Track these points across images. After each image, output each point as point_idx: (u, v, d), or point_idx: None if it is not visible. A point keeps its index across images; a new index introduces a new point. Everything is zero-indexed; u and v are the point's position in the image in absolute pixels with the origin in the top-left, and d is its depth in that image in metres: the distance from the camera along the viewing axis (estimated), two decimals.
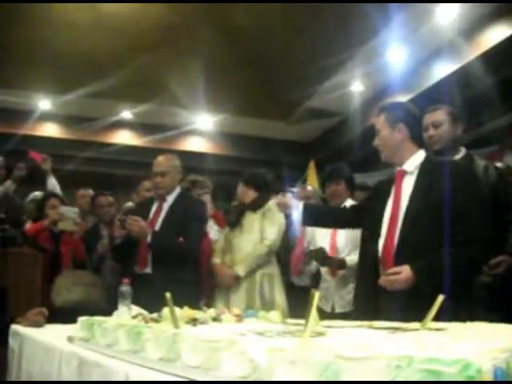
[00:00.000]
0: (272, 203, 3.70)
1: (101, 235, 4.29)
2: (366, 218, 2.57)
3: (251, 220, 3.69)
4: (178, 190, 3.61)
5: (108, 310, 2.14)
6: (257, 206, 3.70)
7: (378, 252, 2.35)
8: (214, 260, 3.72)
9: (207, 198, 4.10)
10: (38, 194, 5.01)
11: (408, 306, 2.08)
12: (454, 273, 2.09)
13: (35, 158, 5.20)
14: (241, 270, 3.56)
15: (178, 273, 3.22)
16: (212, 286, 3.79)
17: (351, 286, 3.31)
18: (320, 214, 2.95)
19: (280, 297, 3.59)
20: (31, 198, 4.99)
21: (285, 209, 3.01)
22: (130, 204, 4.95)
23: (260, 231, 3.66)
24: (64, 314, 2.46)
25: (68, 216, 3.89)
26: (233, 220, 3.72)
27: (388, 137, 2.43)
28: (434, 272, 2.12)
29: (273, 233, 3.65)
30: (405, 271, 2.16)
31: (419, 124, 2.58)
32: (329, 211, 3.20)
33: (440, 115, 3.00)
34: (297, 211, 2.83)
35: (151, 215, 3.53)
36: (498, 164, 3.53)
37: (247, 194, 3.78)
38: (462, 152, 3.01)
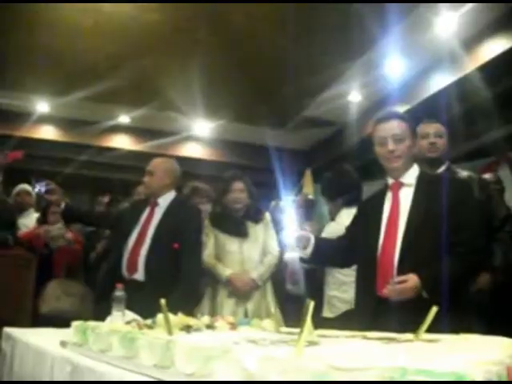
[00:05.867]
0: (268, 214, 3.84)
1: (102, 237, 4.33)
2: (359, 234, 2.53)
3: (255, 231, 3.72)
4: (172, 195, 3.49)
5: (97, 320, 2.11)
6: (259, 218, 3.75)
7: (377, 261, 2.34)
8: (225, 269, 3.59)
9: (205, 208, 4.02)
10: (24, 186, 4.97)
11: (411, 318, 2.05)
12: (458, 281, 2.14)
13: (16, 157, 5.04)
14: (257, 278, 3.57)
15: (170, 283, 3.09)
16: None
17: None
18: (328, 254, 2.67)
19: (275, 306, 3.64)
20: (17, 191, 4.95)
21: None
22: (125, 204, 4.94)
23: (263, 242, 3.73)
24: (49, 322, 2.43)
25: (55, 234, 3.88)
26: (244, 232, 3.67)
27: (411, 147, 2.41)
28: (440, 280, 2.09)
29: (276, 245, 3.75)
30: (411, 279, 2.13)
31: None
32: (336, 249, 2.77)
33: (441, 127, 3.22)
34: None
35: (143, 219, 3.41)
36: (488, 175, 3.64)
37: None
38: (445, 165, 3.19)
